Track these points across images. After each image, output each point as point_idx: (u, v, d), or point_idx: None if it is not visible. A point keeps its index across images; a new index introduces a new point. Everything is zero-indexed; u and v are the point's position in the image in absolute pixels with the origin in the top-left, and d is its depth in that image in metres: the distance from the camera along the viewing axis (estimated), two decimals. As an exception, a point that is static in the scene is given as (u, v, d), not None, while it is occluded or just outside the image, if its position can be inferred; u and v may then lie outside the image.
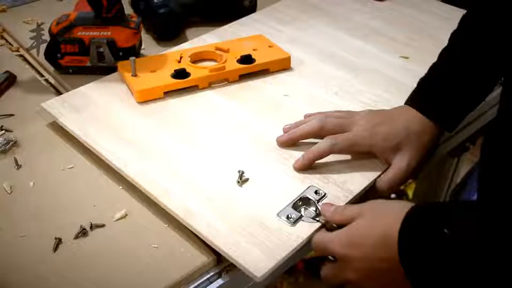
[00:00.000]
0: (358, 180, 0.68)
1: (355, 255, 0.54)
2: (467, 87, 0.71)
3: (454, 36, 0.74)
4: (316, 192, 0.65)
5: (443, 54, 0.74)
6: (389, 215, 0.53)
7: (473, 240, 0.47)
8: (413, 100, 0.73)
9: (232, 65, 0.86)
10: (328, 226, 0.60)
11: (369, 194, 0.69)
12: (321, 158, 0.68)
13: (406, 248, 0.50)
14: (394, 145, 0.68)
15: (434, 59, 0.75)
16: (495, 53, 0.69)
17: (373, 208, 0.56)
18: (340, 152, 0.69)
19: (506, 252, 0.46)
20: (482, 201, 0.60)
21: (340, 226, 0.58)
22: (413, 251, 0.50)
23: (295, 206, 0.63)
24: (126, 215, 0.64)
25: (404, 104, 0.74)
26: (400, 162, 0.68)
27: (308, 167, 0.68)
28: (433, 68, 0.74)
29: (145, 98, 0.80)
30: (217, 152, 0.71)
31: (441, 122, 0.71)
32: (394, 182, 0.68)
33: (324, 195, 0.65)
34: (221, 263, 0.61)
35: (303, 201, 0.64)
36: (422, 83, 0.74)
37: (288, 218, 0.62)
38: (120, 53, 0.86)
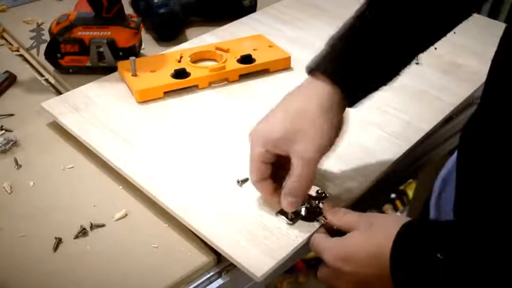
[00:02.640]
0: (359, 180, 0.68)
1: (347, 269, 0.55)
2: (384, 57, 0.61)
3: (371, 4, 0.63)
4: (316, 192, 0.65)
5: (358, 15, 0.64)
6: (382, 232, 0.53)
7: (466, 264, 0.47)
8: (320, 63, 0.61)
9: (232, 64, 0.86)
10: (327, 226, 0.60)
11: (369, 194, 0.69)
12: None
13: (399, 268, 0.51)
14: (285, 136, 0.58)
15: (434, 59, 0.75)
16: (414, 22, 0.60)
17: (370, 222, 0.56)
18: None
19: (501, 276, 0.46)
20: (465, 220, 0.60)
21: (339, 230, 0.58)
22: (406, 272, 0.51)
23: (295, 206, 0.63)
24: (126, 215, 0.64)
25: (307, 71, 0.62)
26: (297, 155, 0.58)
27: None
28: (347, 31, 0.63)
29: (145, 98, 0.80)
30: (217, 152, 0.71)
31: (346, 90, 0.59)
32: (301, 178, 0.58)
33: (325, 195, 0.65)
34: (221, 263, 0.61)
35: (303, 201, 0.64)
36: (331, 46, 0.63)
37: (288, 217, 0.62)
38: (120, 53, 0.86)
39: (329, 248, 0.57)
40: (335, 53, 0.61)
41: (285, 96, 0.62)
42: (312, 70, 0.61)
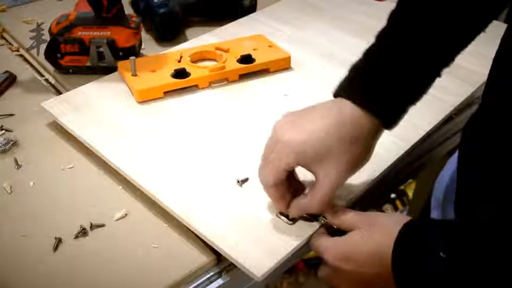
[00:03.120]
0: (359, 180, 0.68)
1: (347, 268, 0.55)
2: (411, 75, 0.59)
3: (393, 16, 0.61)
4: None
5: (381, 36, 0.61)
6: (383, 231, 0.53)
7: (469, 263, 0.47)
8: (349, 89, 0.59)
9: (232, 64, 0.86)
10: (327, 226, 0.60)
11: (369, 194, 0.69)
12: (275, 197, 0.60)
13: (400, 267, 0.51)
14: (317, 156, 0.56)
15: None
16: (441, 34, 0.59)
17: (370, 221, 0.56)
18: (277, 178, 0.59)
19: (503, 275, 0.46)
20: (465, 218, 0.59)
21: (339, 229, 0.59)
22: (408, 271, 0.51)
23: (295, 206, 0.63)
24: (126, 215, 0.64)
25: (335, 95, 0.60)
26: (325, 177, 0.57)
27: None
28: (370, 53, 0.61)
29: (145, 98, 0.80)
30: (217, 152, 0.71)
31: (381, 116, 0.58)
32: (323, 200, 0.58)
33: (324, 195, 0.65)
34: (221, 263, 0.61)
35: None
36: (357, 70, 0.61)
37: (288, 217, 0.62)
38: (120, 53, 0.86)
39: (329, 247, 0.57)
40: (363, 79, 0.59)
41: (315, 109, 0.59)
42: (341, 96, 0.59)
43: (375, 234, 0.54)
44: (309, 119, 0.58)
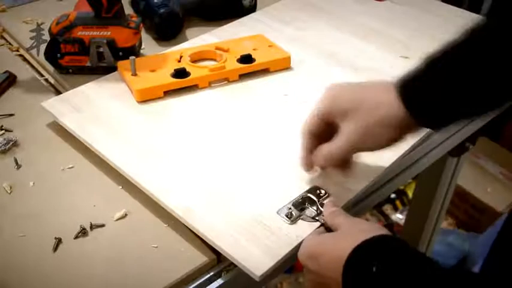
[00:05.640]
0: (359, 179, 0.68)
1: (311, 268, 0.55)
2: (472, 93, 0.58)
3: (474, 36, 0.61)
4: (318, 191, 0.65)
5: (452, 50, 0.61)
6: (351, 241, 0.53)
7: (396, 281, 0.48)
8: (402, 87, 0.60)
9: (232, 64, 0.86)
10: (326, 226, 0.60)
11: (369, 194, 0.69)
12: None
13: (346, 280, 0.52)
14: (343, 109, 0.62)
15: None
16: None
17: (349, 227, 0.56)
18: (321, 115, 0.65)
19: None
20: None
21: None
22: (350, 283, 0.52)
23: (296, 205, 0.63)
24: (126, 215, 0.64)
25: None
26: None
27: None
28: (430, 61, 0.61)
29: (145, 98, 0.80)
30: (216, 151, 0.71)
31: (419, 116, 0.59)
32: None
33: (326, 194, 0.65)
34: (221, 263, 0.61)
35: (304, 200, 0.64)
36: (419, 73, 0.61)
37: (288, 217, 0.62)
38: (120, 53, 0.86)
39: (304, 243, 0.57)
40: (418, 78, 0.60)
41: (368, 85, 0.64)
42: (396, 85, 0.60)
43: (344, 242, 0.53)
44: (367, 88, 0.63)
